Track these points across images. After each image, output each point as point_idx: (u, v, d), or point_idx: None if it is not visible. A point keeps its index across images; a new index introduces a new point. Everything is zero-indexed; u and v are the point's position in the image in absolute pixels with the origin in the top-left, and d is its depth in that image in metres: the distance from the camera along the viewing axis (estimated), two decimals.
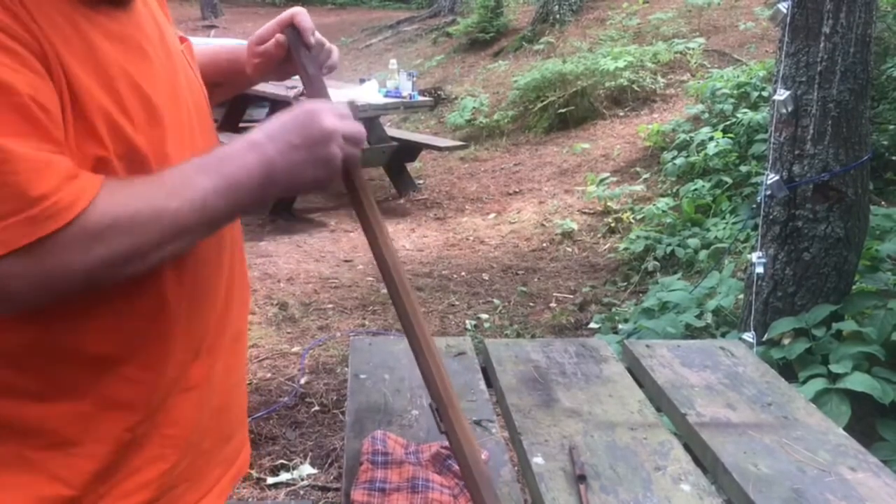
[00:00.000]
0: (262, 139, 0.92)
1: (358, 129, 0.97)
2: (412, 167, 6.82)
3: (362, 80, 6.60)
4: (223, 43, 1.28)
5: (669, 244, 4.47)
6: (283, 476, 2.71)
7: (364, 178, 1.07)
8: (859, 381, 2.41)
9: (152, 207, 0.83)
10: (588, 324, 3.93)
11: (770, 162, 2.89)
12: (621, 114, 7.45)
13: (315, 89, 1.13)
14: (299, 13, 1.17)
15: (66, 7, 0.84)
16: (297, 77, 1.21)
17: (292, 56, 1.17)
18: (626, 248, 4.72)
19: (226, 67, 1.23)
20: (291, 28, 1.16)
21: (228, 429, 1.11)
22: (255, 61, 1.20)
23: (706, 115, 5.92)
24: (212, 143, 1.04)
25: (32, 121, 0.76)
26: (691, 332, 3.14)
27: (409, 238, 5.50)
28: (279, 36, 1.16)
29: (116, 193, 0.82)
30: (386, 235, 1.08)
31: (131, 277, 0.87)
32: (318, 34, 1.18)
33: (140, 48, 0.93)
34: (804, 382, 2.49)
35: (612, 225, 5.27)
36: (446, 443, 1.15)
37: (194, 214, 0.86)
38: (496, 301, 4.30)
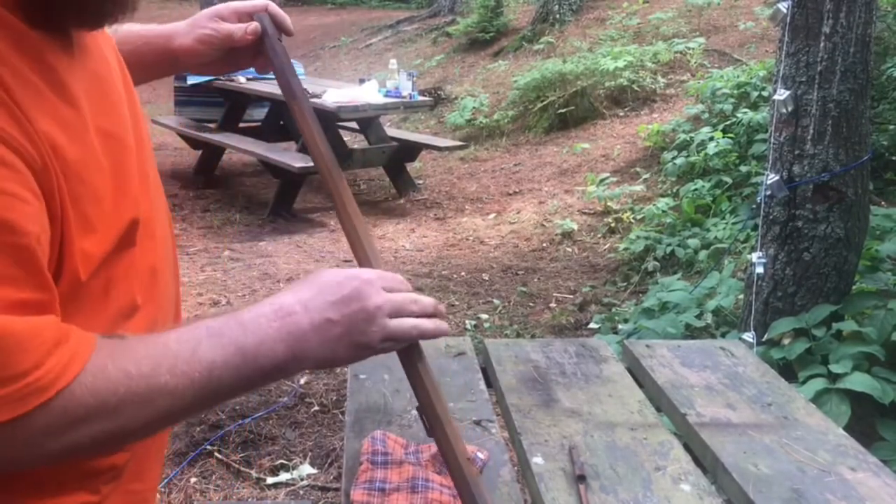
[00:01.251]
0: (297, 307, 0.79)
1: (406, 302, 0.86)
2: (412, 167, 6.82)
3: (362, 80, 6.60)
4: (140, 25, 1.11)
5: (669, 244, 4.47)
6: (283, 476, 2.71)
7: (426, 363, 0.95)
8: (859, 381, 2.41)
9: (148, 385, 0.71)
10: (588, 324, 3.93)
11: (770, 162, 2.89)
12: (621, 114, 7.45)
13: (291, 82, 1.05)
14: (271, 2, 1.10)
15: (32, 46, 0.71)
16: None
17: (262, 46, 1.07)
18: (626, 249, 4.72)
19: (143, 43, 1.08)
20: (266, 15, 1.09)
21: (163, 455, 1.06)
22: (202, 32, 1.07)
23: (706, 115, 5.92)
24: (157, 179, 0.94)
25: (31, 265, 0.67)
26: (691, 332, 3.14)
27: (408, 238, 5.50)
28: (253, 24, 1.07)
29: (111, 362, 0.71)
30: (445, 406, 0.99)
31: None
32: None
33: (104, 85, 0.83)
34: (804, 382, 2.49)
35: (612, 225, 5.27)
36: None
37: (195, 393, 0.74)
38: (496, 301, 4.30)
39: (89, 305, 0.76)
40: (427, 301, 0.89)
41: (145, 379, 0.72)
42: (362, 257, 0.97)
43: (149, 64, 1.07)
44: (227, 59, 1.12)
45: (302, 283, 0.83)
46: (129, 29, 1.06)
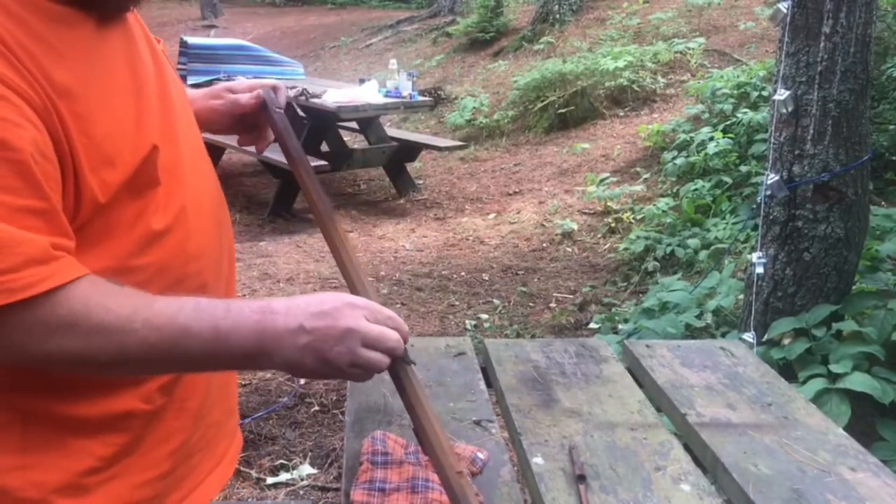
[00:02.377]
0: (280, 309, 0.88)
1: (382, 335, 0.90)
2: (412, 167, 6.82)
3: (362, 80, 6.60)
4: None
5: (669, 244, 4.47)
6: (283, 476, 2.71)
7: (415, 382, 0.98)
8: (859, 381, 2.41)
9: (121, 325, 0.82)
10: (588, 324, 3.93)
11: (770, 162, 2.89)
12: (621, 114, 7.45)
13: (289, 144, 1.20)
14: (280, 84, 1.27)
15: (58, 20, 0.84)
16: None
17: (264, 113, 1.23)
18: (626, 249, 4.72)
19: None
20: (270, 90, 1.25)
21: (232, 401, 1.18)
22: (214, 102, 1.24)
23: (706, 115, 5.92)
24: (200, 143, 1.09)
25: (29, 177, 0.77)
26: (691, 333, 3.14)
27: (408, 238, 5.50)
28: (259, 91, 1.24)
29: (95, 295, 0.81)
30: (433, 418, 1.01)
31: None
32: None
33: (131, 55, 0.95)
34: (804, 382, 2.49)
35: (612, 225, 5.27)
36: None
37: (162, 350, 0.83)
38: (496, 301, 4.30)
39: (116, 230, 0.88)
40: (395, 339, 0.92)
41: (120, 319, 0.82)
42: (354, 289, 1.05)
43: None
44: (237, 126, 1.29)
45: (301, 295, 0.91)
46: None
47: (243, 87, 1.26)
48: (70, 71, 0.83)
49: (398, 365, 0.96)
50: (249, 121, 1.27)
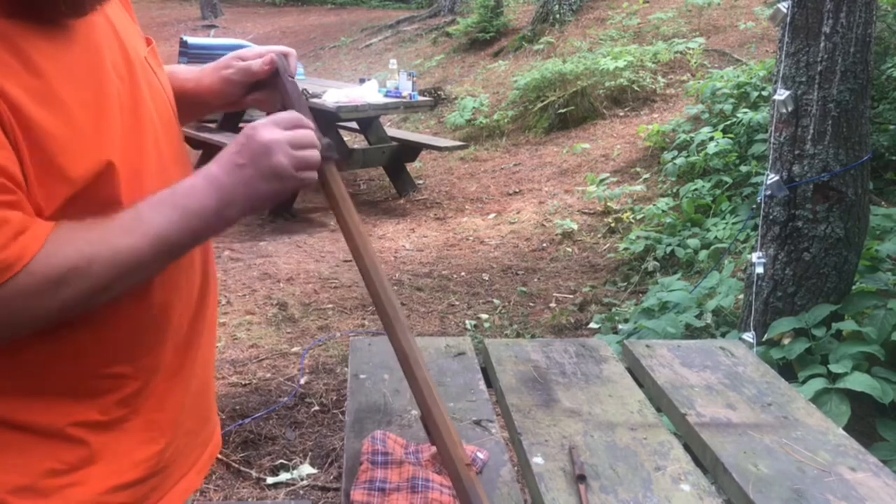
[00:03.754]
0: (212, 166, 0.96)
1: (302, 134, 0.98)
2: (412, 167, 6.82)
3: (362, 80, 6.60)
4: (181, 66, 1.29)
5: (669, 244, 4.47)
6: (283, 476, 2.71)
7: (338, 180, 1.10)
8: (859, 381, 2.41)
9: (109, 247, 0.88)
10: (588, 324, 3.93)
11: (770, 162, 2.89)
12: (621, 114, 7.45)
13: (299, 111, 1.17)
14: (291, 51, 1.25)
15: (10, 34, 0.84)
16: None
17: (276, 80, 1.21)
18: (626, 248, 4.72)
19: (176, 86, 1.21)
20: (282, 56, 1.23)
21: (208, 410, 1.19)
22: (225, 72, 1.22)
23: (706, 115, 5.92)
24: (178, 151, 1.09)
25: None
26: (691, 332, 3.14)
27: (408, 238, 5.50)
28: (272, 55, 1.21)
29: (73, 238, 0.86)
30: (365, 240, 1.11)
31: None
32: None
33: (93, 65, 0.93)
34: (804, 382, 2.49)
35: (612, 225, 5.27)
36: None
37: (151, 248, 0.90)
38: (496, 301, 4.30)
39: None
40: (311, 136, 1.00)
41: (106, 243, 0.88)
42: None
43: (185, 112, 1.20)
44: (251, 94, 1.26)
45: (220, 153, 0.98)
46: (171, 73, 1.20)
47: (254, 53, 1.23)
48: (20, 84, 0.83)
49: (323, 163, 1.04)
50: (263, 88, 1.26)
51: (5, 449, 0.90)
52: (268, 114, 1.11)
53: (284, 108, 1.18)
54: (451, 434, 1.00)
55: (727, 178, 4.96)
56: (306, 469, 2.75)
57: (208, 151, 6.74)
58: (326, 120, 5.85)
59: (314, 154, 0.99)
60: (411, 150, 6.58)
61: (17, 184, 0.83)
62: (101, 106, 0.92)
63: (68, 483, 0.94)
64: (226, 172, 0.94)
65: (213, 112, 1.33)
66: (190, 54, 6.48)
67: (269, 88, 1.23)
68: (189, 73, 1.25)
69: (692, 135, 5.63)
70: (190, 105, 1.23)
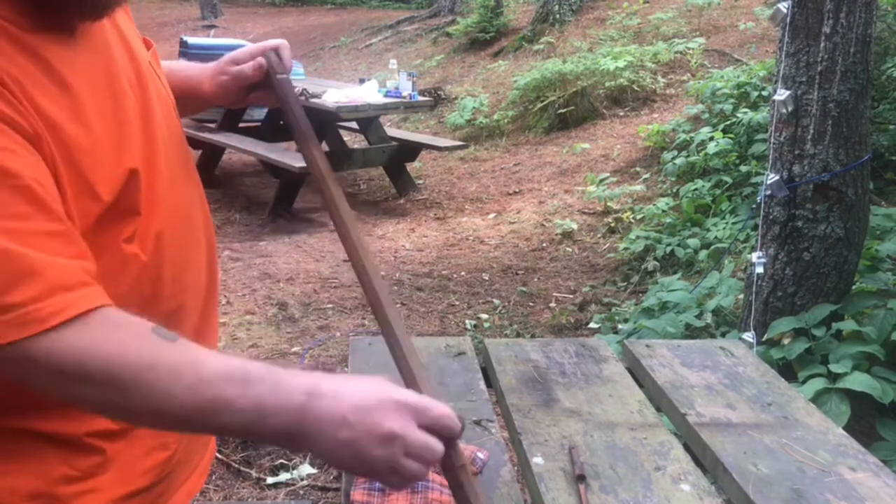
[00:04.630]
0: (329, 394, 0.82)
1: (428, 447, 0.83)
2: (412, 167, 6.82)
3: (362, 80, 6.60)
4: (183, 64, 1.29)
5: (669, 244, 4.47)
6: (283, 476, 2.71)
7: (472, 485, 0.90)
8: (859, 381, 2.41)
9: (135, 377, 0.78)
10: (588, 324, 3.93)
11: (770, 162, 2.89)
12: (621, 114, 7.45)
13: (292, 113, 1.17)
14: (282, 43, 1.24)
15: (38, 49, 0.82)
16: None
17: (268, 81, 1.21)
18: (626, 248, 4.72)
19: (179, 87, 1.21)
20: (273, 53, 1.22)
21: None
22: (222, 78, 1.22)
23: (706, 115, 5.92)
24: (184, 157, 1.07)
25: (38, 202, 0.77)
26: (691, 332, 3.14)
27: (408, 238, 5.50)
28: (260, 59, 1.21)
29: (119, 337, 0.79)
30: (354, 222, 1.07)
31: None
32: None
33: (108, 73, 0.92)
34: (804, 382, 2.49)
35: (612, 225, 5.27)
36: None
37: (194, 410, 0.79)
38: (496, 301, 4.30)
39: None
40: (439, 450, 0.85)
41: (139, 370, 0.78)
42: (408, 378, 0.96)
43: (188, 108, 1.22)
44: (251, 94, 1.26)
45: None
46: (171, 70, 1.20)
47: (246, 55, 1.23)
48: (54, 101, 0.82)
49: (448, 471, 0.89)
50: (261, 88, 1.26)
51: (23, 455, 0.90)
52: (269, 109, 1.11)
53: (281, 105, 1.20)
54: (416, 358, 0.98)
55: (727, 178, 4.96)
56: (306, 469, 2.75)
57: (208, 151, 6.74)
58: (326, 120, 5.86)
59: (419, 471, 0.84)
60: (411, 150, 6.58)
61: (62, 212, 0.80)
62: (120, 117, 0.91)
63: (83, 490, 0.93)
64: (330, 420, 0.80)
65: (203, 109, 1.33)
66: (190, 54, 6.47)
67: (266, 87, 1.24)
68: (188, 78, 1.25)
69: (692, 135, 5.63)
70: (192, 106, 1.24)
